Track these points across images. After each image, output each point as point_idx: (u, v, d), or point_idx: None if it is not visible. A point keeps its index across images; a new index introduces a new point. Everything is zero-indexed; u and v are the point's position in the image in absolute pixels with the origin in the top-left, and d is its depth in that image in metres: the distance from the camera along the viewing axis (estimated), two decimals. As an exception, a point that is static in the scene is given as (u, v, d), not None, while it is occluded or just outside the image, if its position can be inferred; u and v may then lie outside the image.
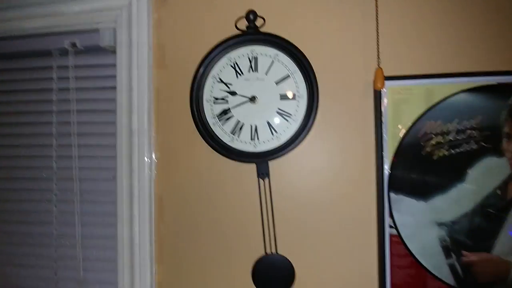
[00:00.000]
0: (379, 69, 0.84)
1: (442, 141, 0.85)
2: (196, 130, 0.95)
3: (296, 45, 0.88)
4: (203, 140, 0.96)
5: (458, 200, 0.84)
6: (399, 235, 0.86)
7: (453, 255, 0.84)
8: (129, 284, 1.00)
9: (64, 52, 1.09)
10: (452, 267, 0.84)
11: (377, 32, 0.86)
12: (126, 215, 1.01)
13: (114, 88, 1.06)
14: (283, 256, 0.91)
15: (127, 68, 1.02)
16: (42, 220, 1.10)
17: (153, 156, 1.02)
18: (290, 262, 0.91)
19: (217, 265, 0.99)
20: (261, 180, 0.92)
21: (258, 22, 0.91)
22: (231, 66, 0.92)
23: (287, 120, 0.90)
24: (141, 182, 1.00)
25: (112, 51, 1.07)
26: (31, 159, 1.12)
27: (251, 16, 0.91)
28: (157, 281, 1.01)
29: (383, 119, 0.88)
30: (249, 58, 0.91)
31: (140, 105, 1.00)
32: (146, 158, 1.00)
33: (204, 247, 0.99)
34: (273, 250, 0.93)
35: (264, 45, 0.90)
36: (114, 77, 1.06)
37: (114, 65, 1.06)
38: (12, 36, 1.09)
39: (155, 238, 1.01)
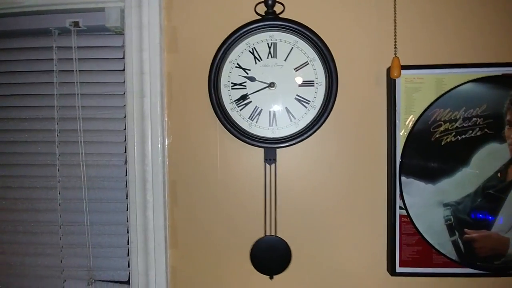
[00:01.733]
0: (396, 58, 0.87)
1: (450, 128, 0.90)
2: (211, 115, 0.95)
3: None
4: (217, 125, 0.97)
5: (463, 182, 0.91)
6: (408, 215, 0.92)
7: (456, 232, 0.91)
8: (144, 269, 1.01)
9: (65, 32, 1.04)
10: (455, 244, 0.91)
11: (395, 21, 0.88)
12: (139, 200, 1.00)
13: (121, 71, 1.03)
14: (281, 238, 0.96)
15: (138, 50, 0.98)
16: (46, 207, 1.07)
17: (166, 140, 1.01)
18: (286, 243, 0.95)
19: (222, 246, 1.01)
20: (268, 166, 0.95)
21: (278, 9, 0.91)
22: (250, 51, 0.92)
23: (305, 107, 0.92)
24: (154, 167, 0.99)
25: (118, 32, 1.03)
26: (32, 144, 1.07)
27: (270, 1, 0.90)
28: (171, 265, 1.02)
29: (396, 106, 0.92)
30: (268, 44, 0.92)
31: (153, 89, 0.98)
32: (159, 143, 0.99)
33: (215, 231, 1.01)
34: (273, 232, 0.97)
35: (284, 31, 0.91)
36: (120, 59, 1.03)
37: (120, 47, 1.03)
38: (8, 13, 1.02)
39: (168, 223, 1.02)
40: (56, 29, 1.04)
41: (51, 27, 1.03)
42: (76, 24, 1.03)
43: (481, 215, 0.90)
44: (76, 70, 1.04)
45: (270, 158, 0.95)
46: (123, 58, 1.02)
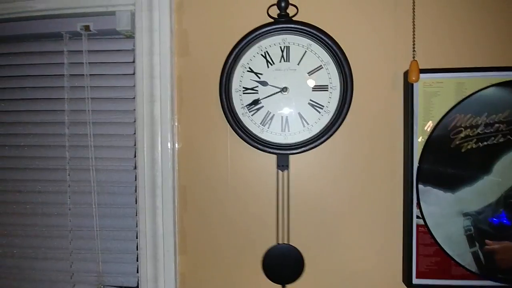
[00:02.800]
0: (415, 61, 0.84)
1: (471, 134, 0.87)
2: (221, 120, 0.93)
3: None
4: (228, 130, 0.95)
5: (484, 191, 0.87)
6: (426, 225, 0.88)
7: (476, 243, 0.87)
8: (153, 275, 0.99)
9: (75, 36, 1.03)
10: (475, 255, 0.87)
11: (413, 24, 0.85)
12: (149, 206, 0.98)
13: (131, 75, 1.02)
14: (293, 246, 0.93)
15: (148, 54, 0.97)
16: (56, 212, 1.06)
17: (176, 145, 1.00)
18: (299, 251, 0.93)
19: (233, 253, 0.99)
20: (280, 172, 0.93)
21: (291, 11, 0.89)
22: (262, 55, 0.90)
23: (319, 112, 0.89)
24: (164, 172, 0.98)
25: (128, 35, 1.02)
26: (43, 148, 1.06)
27: (282, 3, 0.88)
28: (180, 272, 1.01)
29: (414, 111, 0.88)
30: (280, 48, 0.89)
31: (163, 93, 0.97)
32: (169, 148, 0.98)
33: (225, 237, 0.99)
34: (285, 241, 0.94)
35: (297, 35, 0.88)
36: (130, 63, 1.02)
37: (130, 51, 1.02)
38: (20, 17, 1.02)
39: (178, 229, 1.00)
40: (67, 33, 1.04)
41: (62, 31, 1.03)
42: (87, 28, 1.02)
43: (505, 222, 0.86)
44: (86, 74, 1.03)
45: (282, 164, 0.93)
46: (134, 62, 1.01)
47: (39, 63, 1.06)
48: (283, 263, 0.93)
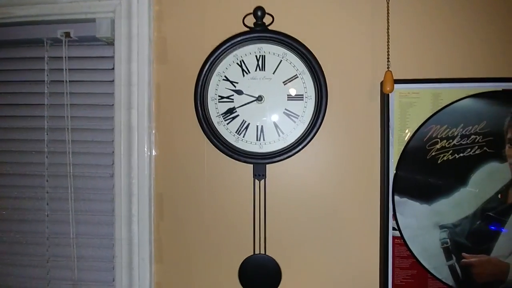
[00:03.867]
0: (389, 71, 0.83)
1: (447, 145, 0.86)
2: (198, 128, 0.92)
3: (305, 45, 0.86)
4: (205, 138, 0.94)
5: (460, 203, 0.85)
6: (402, 237, 0.87)
7: (453, 256, 0.86)
8: (128, 284, 0.98)
9: (56, 42, 1.04)
10: (452, 268, 0.86)
11: (388, 34, 0.85)
12: (125, 214, 0.98)
13: (111, 82, 1.02)
14: (270, 257, 0.92)
15: (127, 61, 0.97)
16: (33, 218, 1.06)
17: (153, 152, 0.99)
18: (276, 262, 0.91)
19: (209, 263, 0.98)
20: (257, 181, 0.92)
21: (267, 20, 0.89)
22: (238, 64, 0.90)
23: (294, 121, 0.88)
24: (140, 179, 0.97)
25: (109, 42, 1.03)
26: (22, 154, 1.06)
27: (259, 12, 0.88)
28: (155, 281, 1.00)
29: (390, 122, 0.87)
30: (256, 57, 0.89)
31: (140, 100, 0.97)
32: (146, 155, 0.97)
33: (202, 246, 0.98)
34: (262, 251, 0.93)
35: (272, 44, 0.88)
36: (110, 70, 1.02)
37: (110, 58, 1.02)
38: (1, 23, 1.02)
39: (154, 237, 0.99)
40: (48, 39, 1.04)
41: (43, 37, 1.03)
42: (67, 34, 1.02)
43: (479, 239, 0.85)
44: (66, 81, 1.03)
45: (259, 173, 0.92)
46: (113, 68, 1.01)
47: (19, 68, 1.06)
48: (260, 273, 0.92)
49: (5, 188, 1.07)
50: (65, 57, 1.03)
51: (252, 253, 0.93)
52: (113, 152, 1.01)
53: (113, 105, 1.01)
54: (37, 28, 1.03)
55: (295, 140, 0.88)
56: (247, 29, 0.89)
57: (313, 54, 0.86)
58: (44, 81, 1.05)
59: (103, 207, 1.03)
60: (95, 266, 1.03)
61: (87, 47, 1.05)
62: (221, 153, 0.90)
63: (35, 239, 1.06)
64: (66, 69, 1.03)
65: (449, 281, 0.86)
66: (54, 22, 1.02)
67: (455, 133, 0.85)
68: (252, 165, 0.92)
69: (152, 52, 0.98)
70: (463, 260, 0.86)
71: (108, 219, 1.03)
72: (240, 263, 0.93)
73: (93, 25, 1.00)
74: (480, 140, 0.85)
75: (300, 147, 0.87)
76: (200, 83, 0.89)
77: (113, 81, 1.01)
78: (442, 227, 0.86)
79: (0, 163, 1.07)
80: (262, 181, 0.92)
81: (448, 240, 0.86)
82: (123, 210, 0.98)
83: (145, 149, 0.97)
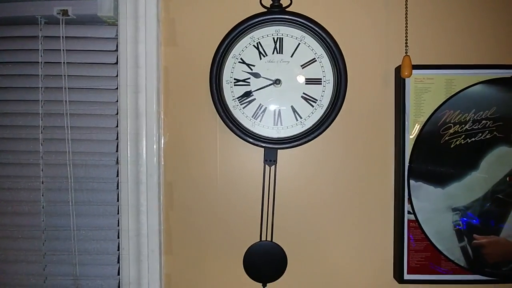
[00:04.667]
0: (407, 56, 0.84)
1: (459, 130, 0.88)
2: (210, 113, 0.90)
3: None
4: (217, 123, 0.92)
5: (472, 187, 0.88)
6: (416, 220, 0.89)
7: (465, 238, 0.89)
8: (136, 277, 0.94)
9: (51, 21, 0.96)
10: (463, 249, 0.88)
11: (406, 18, 0.85)
12: (132, 204, 0.93)
13: (113, 64, 0.96)
14: (277, 244, 0.90)
15: (133, 43, 0.92)
16: (27, 210, 0.98)
17: (162, 139, 0.95)
18: (282, 249, 0.90)
19: (219, 253, 0.95)
20: (267, 167, 0.90)
21: (284, 2, 0.87)
22: (254, 46, 0.87)
23: (312, 106, 0.87)
24: (149, 167, 0.93)
25: (111, 22, 0.97)
26: (14, 141, 0.98)
27: (276, -7, 0.86)
28: (165, 273, 0.96)
29: (406, 107, 0.88)
30: (273, 39, 0.87)
31: (149, 84, 0.92)
32: (154, 142, 0.93)
33: (213, 236, 0.95)
34: (269, 238, 0.91)
35: (290, 26, 0.86)
36: (113, 51, 0.96)
37: (113, 39, 0.96)
38: (-11, -2, 0.94)
39: (163, 227, 0.95)
40: (42, 17, 0.96)
41: (37, 15, 0.95)
42: (65, 12, 0.95)
43: (489, 220, 0.88)
44: (64, 62, 0.96)
45: (270, 159, 0.90)
46: (116, 50, 0.95)
47: (10, 48, 0.97)
48: (265, 261, 0.89)
49: (-3, 179, 0.98)
50: (63, 37, 0.96)
51: (259, 240, 0.91)
52: (116, 138, 0.96)
53: (116, 89, 0.95)
54: (30, 4, 0.95)
55: (313, 125, 0.87)
56: (263, 10, 0.86)
57: (333, 38, 0.85)
58: (38, 62, 0.97)
59: (107, 197, 0.97)
60: (98, 260, 0.98)
61: (87, 26, 0.98)
62: (234, 138, 0.88)
63: (30, 233, 0.98)
64: (63, 50, 0.96)
65: (461, 262, 0.88)
66: (49, -2, 0.94)
67: (468, 118, 0.88)
68: (263, 150, 0.89)
69: (160, 33, 0.93)
70: (474, 241, 0.88)
71: (112, 209, 0.97)
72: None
73: (94, 3, 0.93)
74: (490, 125, 0.87)
75: (318, 132, 0.86)
76: (215, 65, 0.85)
77: (116, 63, 0.95)
78: (454, 209, 0.88)
79: (-9, 152, 0.98)
80: (273, 167, 0.90)
81: (461, 222, 0.88)
82: (130, 200, 0.93)
83: (154, 135, 0.93)
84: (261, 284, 0.91)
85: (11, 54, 0.98)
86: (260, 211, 0.91)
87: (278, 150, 0.89)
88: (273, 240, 0.91)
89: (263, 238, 0.91)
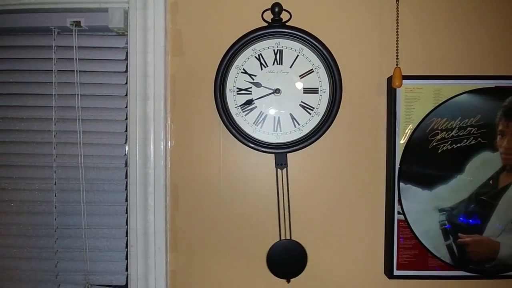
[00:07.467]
0: (398, 68, 0.90)
1: (446, 136, 0.94)
2: (214, 119, 0.96)
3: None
4: (220, 129, 0.98)
5: (457, 189, 0.95)
6: (406, 220, 0.95)
7: (450, 237, 0.95)
8: (143, 273, 1.00)
9: (65, 31, 1.02)
10: (449, 247, 0.95)
11: (397, 33, 0.92)
12: (140, 204, 0.99)
13: (123, 72, 1.02)
14: (297, 242, 0.96)
15: (142, 53, 0.98)
16: (41, 210, 1.04)
17: (169, 143, 1.01)
18: (303, 247, 0.96)
19: (232, 251, 1.02)
20: (279, 170, 0.96)
21: (284, 16, 0.93)
22: (256, 57, 0.93)
23: (309, 113, 0.94)
24: (156, 170, 0.99)
25: (121, 33, 1.03)
26: (29, 145, 1.04)
27: (276, 9, 0.92)
28: (170, 269, 1.02)
29: (396, 114, 0.95)
30: (274, 51, 0.93)
31: (157, 91, 0.98)
32: (162, 146, 0.99)
33: (219, 235, 1.01)
34: (288, 236, 0.98)
35: (290, 39, 0.92)
36: (122, 61, 1.02)
37: (122, 48, 1.02)
38: (7, 10, 1.00)
39: (169, 226, 1.01)
40: (56, 28, 1.02)
41: (51, 26, 1.01)
42: (77, 23, 1.01)
43: (473, 220, 0.95)
44: (76, 70, 1.02)
45: (281, 163, 0.96)
46: (126, 59, 1.01)
47: (26, 57, 1.03)
48: (286, 258, 0.94)
49: (12, 180, 1.04)
50: (75, 47, 1.02)
51: (277, 240, 0.96)
52: (125, 142, 1.02)
53: (125, 96, 1.01)
54: (45, 16, 1.01)
55: (311, 131, 0.93)
56: (265, 24, 0.93)
57: (329, 50, 0.91)
58: (52, 70, 1.03)
59: (116, 198, 1.03)
60: (107, 256, 1.04)
61: (98, 37, 1.04)
62: (236, 143, 0.94)
63: (43, 231, 1.04)
64: (76, 59, 1.02)
65: (447, 259, 0.95)
66: (63, 10, 1.00)
67: (454, 125, 0.94)
68: (272, 155, 0.95)
69: (168, 43, 0.99)
70: (459, 239, 0.95)
71: (120, 209, 1.03)
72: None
73: (105, 15, 0.99)
74: (475, 132, 0.94)
75: (315, 137, 0.93)
76: (220, 75, 0.92)
77: (125, 72, 1.01)
78: (441, 210, 0.95)
79: (7, 155, 1.04)
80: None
81: (447, 222, 0.95)
82: (139, 200, 0.99)
83: (161, 140, 0.99)
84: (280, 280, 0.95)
85: (27, 63, 1.04)
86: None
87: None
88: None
89: (282, 237, 0.97)
